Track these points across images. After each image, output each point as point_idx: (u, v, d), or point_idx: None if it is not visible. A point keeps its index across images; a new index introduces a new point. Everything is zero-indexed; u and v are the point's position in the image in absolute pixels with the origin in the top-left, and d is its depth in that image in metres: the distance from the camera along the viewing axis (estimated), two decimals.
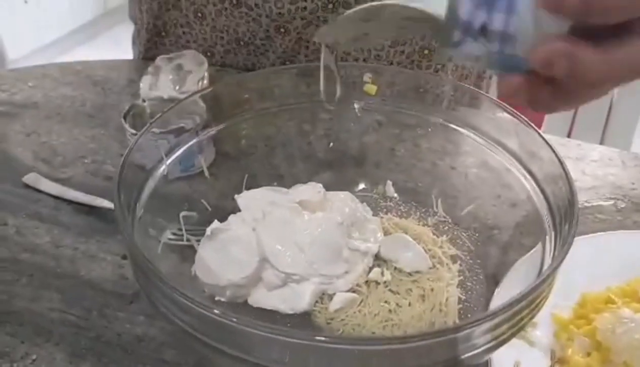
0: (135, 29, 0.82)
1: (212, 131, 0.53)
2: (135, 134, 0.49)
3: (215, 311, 0.34)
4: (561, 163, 0.43)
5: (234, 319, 0.33)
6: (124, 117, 0.60)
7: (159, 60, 0.67)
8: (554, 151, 0.44)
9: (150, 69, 0.66)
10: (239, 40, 0.73)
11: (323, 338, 0.33)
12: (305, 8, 0.67)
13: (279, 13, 0.67)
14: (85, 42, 2.53)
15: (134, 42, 0.84)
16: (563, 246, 0.37)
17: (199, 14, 0.72)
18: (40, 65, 0.79)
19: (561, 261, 0.36)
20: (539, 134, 0.46)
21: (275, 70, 0.62)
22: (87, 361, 0.44)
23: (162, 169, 0.48)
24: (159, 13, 0.74)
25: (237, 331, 0.34)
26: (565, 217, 0.40)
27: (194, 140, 0.52)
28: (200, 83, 0.63)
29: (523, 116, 0.48)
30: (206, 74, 0.65)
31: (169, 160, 0.48)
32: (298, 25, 0.69)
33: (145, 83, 0.64)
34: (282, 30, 0.70)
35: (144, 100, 0.62)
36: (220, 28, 0.72)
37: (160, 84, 0.64)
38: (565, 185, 0.42)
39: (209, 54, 0.75)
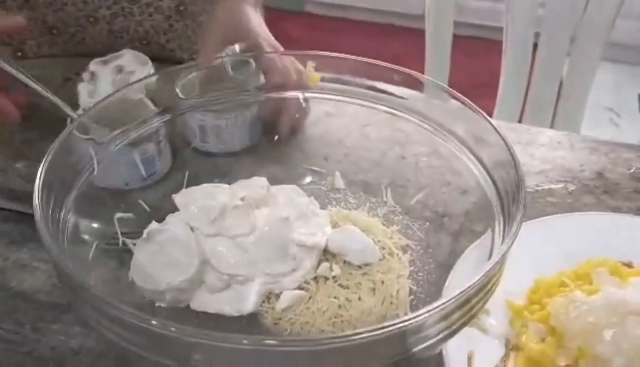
0: None
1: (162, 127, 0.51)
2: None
3: (152, 322, 0.31)
4: (507, 146, 0.42)
5: (172, 329, 0.31)
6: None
7: (92, 65, 0.63)
8: (500, 135, 0.43)
9: (85, 75, 0.62)
10: (50, 30, 0.72)
11: (268, 341, 0.31)
12: None
13: (84, 2, 0.69)
14: None
15: None
16: (511, 228, 0.36)
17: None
18: None
19: (511, 244, 0.35)
20: (487, 119, 0.45)
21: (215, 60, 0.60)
22: None
23: (92, 169, 0.45)
24: None
25: (176, 341, 0.32)
26: (513, 199, 0.39)
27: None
28: None
29: (471, 102, 0.47)
30: (152, 72, 0.62)
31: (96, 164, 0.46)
32: (105, 14, 0.70)
33: (83, 91, 0.60)
34: (92, 19, 0.71)
35: (84, 110, 0.58)
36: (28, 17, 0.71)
37: (100, 90, 0.60)
38: (512, 168, 0.41)
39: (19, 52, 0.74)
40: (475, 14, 2.00)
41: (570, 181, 0.59)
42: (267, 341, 0.31)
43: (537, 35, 1.15)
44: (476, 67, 1.64)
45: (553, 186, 0.58)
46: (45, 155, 0.40)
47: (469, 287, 0.33)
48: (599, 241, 0.49)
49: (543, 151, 0.62)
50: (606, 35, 1.13)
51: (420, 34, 1.16)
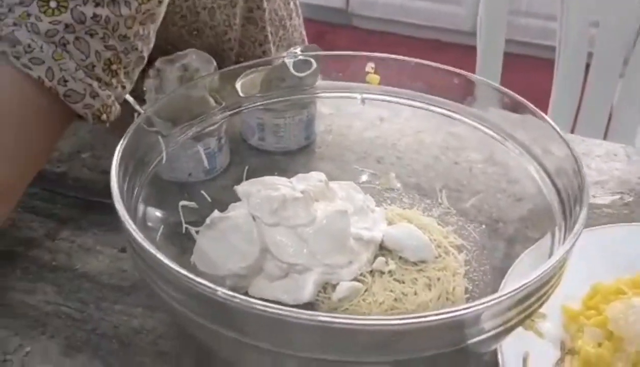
0: None
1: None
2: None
3: (219, 292, 0.32)
4: (570, 149, 0.42)
5: (238, 300, 0.32)
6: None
7: (159, 62, 0.65)
8: (563, 139, 0.43)
9: (151, 72, 0.64)
10: None
11: (326, 318, 0.32)
12: None
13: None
14: None
15: None
16: (574, 228, 0.36)
17: None
18: None
19: (574, 243, 0.35)
20: (549, 124, 0.45)
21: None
22: (83, 353, 0.43)
23: (160, 158, 0.47)
24: None
25: (240, 313, 0.32)
26: (575, 203, 0.39)
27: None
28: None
29: (531, 104, 0.47)
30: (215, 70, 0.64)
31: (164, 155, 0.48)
32: None
33: (149, 87, 0.62)
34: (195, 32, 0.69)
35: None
36: None
37: (166, 87, 0.62)
38: (575, 171, 0.41)
39: None
40: (526, 32, 1.99)
41: (627, 193, 0.58)
42: (321, 318, 0.31)
43: (589, 55, 1.13)
44: (526, 85, 1.63)
45: (609, 197, 0.58)
46: (119, 145, 0.42)
47: (529, 282, 0.33)
48: None
49: (599, 162, 0.62)
50: None
51: (467, 50, 1.16)
